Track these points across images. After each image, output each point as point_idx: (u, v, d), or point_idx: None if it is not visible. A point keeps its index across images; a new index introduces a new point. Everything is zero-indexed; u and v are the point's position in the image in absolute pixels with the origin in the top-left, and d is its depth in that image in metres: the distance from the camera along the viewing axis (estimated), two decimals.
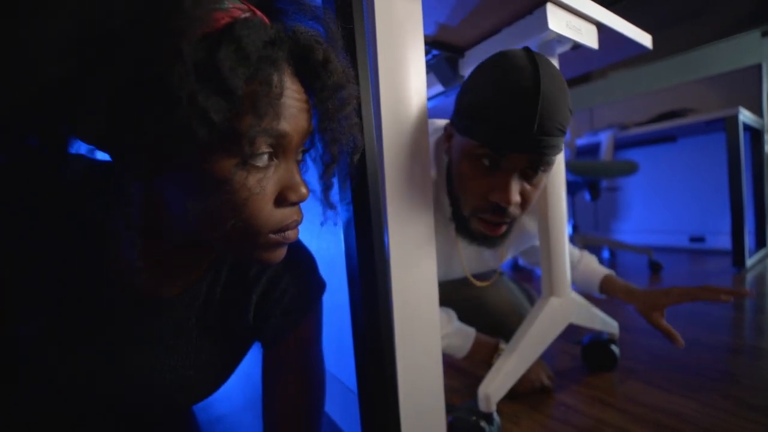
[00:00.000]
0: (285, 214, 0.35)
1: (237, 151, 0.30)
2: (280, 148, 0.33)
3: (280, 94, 0.30)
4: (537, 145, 0.52)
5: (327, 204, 0.41)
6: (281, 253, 0.38)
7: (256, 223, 0.33)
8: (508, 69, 0.53)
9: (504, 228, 0.62)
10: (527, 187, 0.58)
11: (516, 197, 0.56)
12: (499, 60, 0.54)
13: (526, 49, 0.54)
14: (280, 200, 0.35)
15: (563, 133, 0.54)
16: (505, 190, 0.55)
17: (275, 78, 0.29)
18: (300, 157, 0.38)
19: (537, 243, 0.89)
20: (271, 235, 0.35)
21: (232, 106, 0.27)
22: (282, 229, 0.35)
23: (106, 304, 0.39)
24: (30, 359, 0.39)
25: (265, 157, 0.32)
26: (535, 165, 0.55)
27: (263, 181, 0.33)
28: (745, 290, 0.70)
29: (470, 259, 0.85)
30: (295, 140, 0.34)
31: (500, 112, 0.52)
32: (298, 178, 0.35)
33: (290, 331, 0.47)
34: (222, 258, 0.45)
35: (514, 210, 0.58)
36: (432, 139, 0.75)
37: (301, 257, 0.49)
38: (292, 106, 0.32)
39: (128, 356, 0.41)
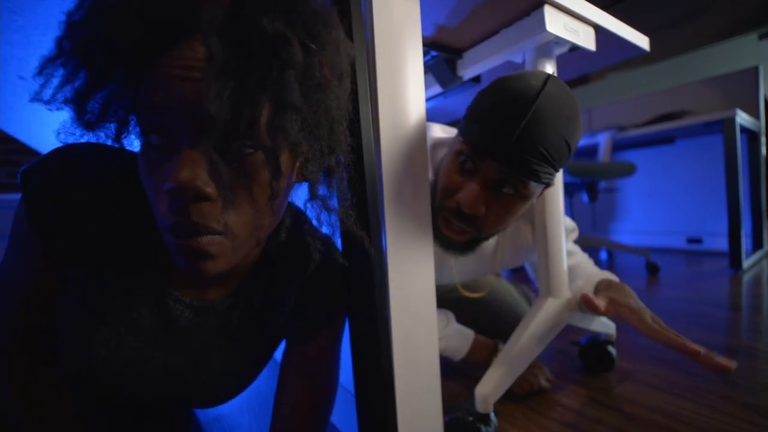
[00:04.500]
0: (162, 206, 0.29)
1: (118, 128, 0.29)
2: (170, 129, 0.28)
3: (111, 51, 0.25)
4: (513, 157, 0.51)
5: (313, 201, 0.37)
6: (195, 264, 0.31)
7: (155, 214, 0.30)
8: (516, 81, 0.53)
9: (466, 236, 0.60)
10: (497, 203, 0.56)
11: (479, 206, 0.55)
12: (517, 74, 0.54)
13: (550, 75, 0.53)
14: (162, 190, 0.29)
15: (548, 160, 0.52)
16: (471, 193, 0.54)
17: (130, 47, 0.24)
18: (238, 146, 0.30)
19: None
20: (165, 234, 0.30)
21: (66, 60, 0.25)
22: (167, 228, 0.30)
23: (157, 303, 0.41)
24: (71, 345, 0.39)
25: (151, 135, 0.29)
26: (509, 181, 0.54)
27: (145, 161, 0.29)
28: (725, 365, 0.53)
29: (462, 266, 0.83)
30: (182, 121, 0.28)
31: (489, 116, 0.53)
32: (183, 166, 0.27)
33: (314, 336, 0.49)
34: (260, 265, 0.46)
35: (475, 217, 0.56)
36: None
37: (334, 265, 0.49)
38: (188, 80, 0.27)
39: (169, 353, 0.42)
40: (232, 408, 0.77)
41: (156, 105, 0.27)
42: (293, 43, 0.28)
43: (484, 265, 0.84)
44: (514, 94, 0.51)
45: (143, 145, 0.30)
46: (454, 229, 0.59)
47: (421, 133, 0.52)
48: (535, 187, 0.55)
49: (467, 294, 0.81)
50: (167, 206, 0.29)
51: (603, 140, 2.19)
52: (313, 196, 0.37)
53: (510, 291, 1.04)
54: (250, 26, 0.27)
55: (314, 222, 0.38)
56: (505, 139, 0.51)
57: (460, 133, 0.58)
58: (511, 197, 0.56)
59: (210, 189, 0.28)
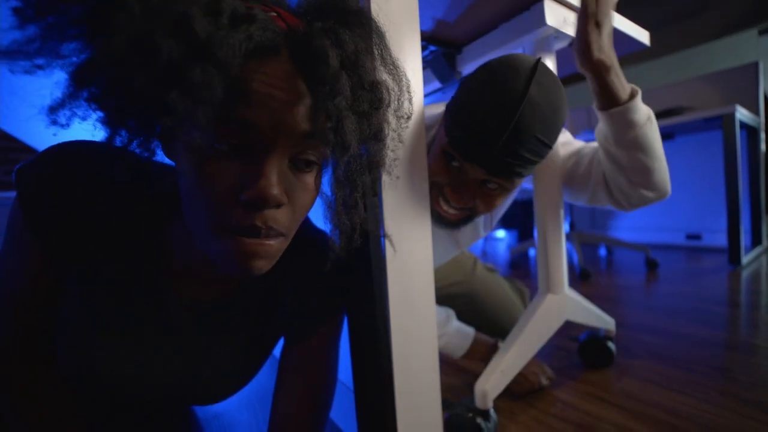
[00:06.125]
0: (235, 211, 0.30)
1: (184, 134, 0.28)
2: (249, 140, 0.29)
3: (225, 78, 0.25)
4: (496, 164, 0.54)
5: (331, 219, 0.38)
6: (249, 262, 0.31)
7: (204, 212, 0.30)
8: (500, 85, 0.52)
9: (460, 215, 0.63)
10: (483, 193, 0.60)
11: (467, 200, 0.60)
12: (502, 70, 0.54)
13: (534, 73, 0.52)
14: (236, 197, 0.30)
15: (530, 161, 0.55)
16: (459, 192, 0.59)
17: (227, 58, 0.25)
18: (306, 158, 0.33)
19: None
20: (216, 231, 0.31)
21: (161, 81, 0.25)
22: (226, 227, 0.30)
23: (157, 302, 0.41)
24: (68, 345, 0.39)
25: (223, 146, 0.29)
26: (493, 180, 0.58)
27: (209, 167, 0.29)
28: None
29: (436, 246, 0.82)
30: (268, 135, 0.29)
31: (472, 123, 0.54)
32: (268, 177, 0.29)
33: (313, 334, 0.49)
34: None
35: (466, 207, 0.61)
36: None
37: (334, 262, 0.49)
38: (274, 97, 0.28)
39: (168, 352, 0.42)
40: (231, 405, 0.77)
41: (244, 117, 0.28)
42: (386, 86, 0.35)
43: (455, 243, 0.84)
44: (496, 102, 0.52)
45: (200, 149, 0.29)
46: (450, 213, 0.62)
47: (420, 131, 0.52)
48: (518, 181, 0.60)
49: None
50: (242, 211, 0.30)
51: None
52: (342, 201, 0.38)
53: (504, 288, 1.03)
54: (360, 67, 0.31)
55: (331, 223, 0.38)
56: (489, 150, 0.53)
57: (446, 132, 0.58)
58: (495, 190, 0.60)
59: (284, 198, 0.31)
